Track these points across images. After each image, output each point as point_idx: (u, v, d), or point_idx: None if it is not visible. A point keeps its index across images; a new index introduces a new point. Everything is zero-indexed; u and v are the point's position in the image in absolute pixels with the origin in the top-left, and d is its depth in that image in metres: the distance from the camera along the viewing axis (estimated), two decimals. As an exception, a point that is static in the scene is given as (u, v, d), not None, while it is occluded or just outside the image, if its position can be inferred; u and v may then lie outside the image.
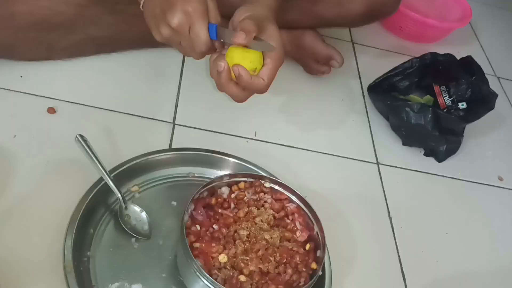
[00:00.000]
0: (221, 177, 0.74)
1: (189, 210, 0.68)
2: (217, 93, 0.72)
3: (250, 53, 0.67)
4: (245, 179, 0.75)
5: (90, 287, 0.64)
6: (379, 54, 1.28)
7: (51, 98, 0.85)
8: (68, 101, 0.86)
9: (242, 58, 0.67)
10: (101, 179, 0.72)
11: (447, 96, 1.07)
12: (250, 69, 0.67)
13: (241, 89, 0.69)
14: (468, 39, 1.47)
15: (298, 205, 0.74)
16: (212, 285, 0.61)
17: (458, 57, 1.10)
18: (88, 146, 0.72)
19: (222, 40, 0.68)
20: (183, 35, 0.67)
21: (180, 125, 0.90)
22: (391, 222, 0.88)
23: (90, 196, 0.70)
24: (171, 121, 0.90)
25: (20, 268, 0.64)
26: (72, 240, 0.65)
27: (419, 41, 1.34)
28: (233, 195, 0.73)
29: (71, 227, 0.66)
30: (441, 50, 1.11)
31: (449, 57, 1.08)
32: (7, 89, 0.84)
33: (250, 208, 0.72)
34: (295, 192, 0.74)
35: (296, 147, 0.95)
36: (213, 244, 0.66)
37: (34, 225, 0.69)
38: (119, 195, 0.72)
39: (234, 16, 0.70)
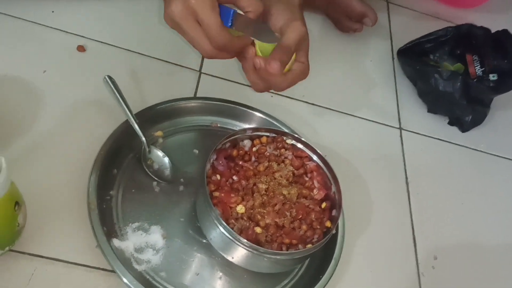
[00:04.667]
0: (244, 130, 0.74)
1: (211, 160, 0.69)
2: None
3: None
4: (267, 134, 0.75)
5: (112, 224, 0.67)
6: (413, 16, 1.24)
7: (81, 36, 0.85)
8: (98, 41, 0.86)
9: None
10: (126, 121, 0.73)
11: (479, 66, 1.04)
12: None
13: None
14: (509, 6, 1.41)
15: (317, 163, 0.74)
16: (229, 234, 0.63)
17: (495, 25, 1.05)
18: (116, 88, 0.73)
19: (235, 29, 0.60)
20: (190, 28, 0.61)
21: (206, 74, 0.90)
22: (407, 188, 0.89)
23: (116, 138, 0.71)
24: (198, 69, 0.90)
25: (45, 203, 0.66)
26: (96, 178, 0.67)
27: (457, 6, 1.29)
28: (254, 149, 0.74)
29: (96, 166, 0.68)
30: (479, 16, 1.08)
31: (484, 30, 1.04)
32: (38, 24, 0.84)
33: (270, 163, 0.73)
34: (316, 151, 0.74)
35: (319, 106, 0.95)
36: (232, 195, 0.67)
37: (60, 162, 0.70)
38: (143, 138, 0.73)
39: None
